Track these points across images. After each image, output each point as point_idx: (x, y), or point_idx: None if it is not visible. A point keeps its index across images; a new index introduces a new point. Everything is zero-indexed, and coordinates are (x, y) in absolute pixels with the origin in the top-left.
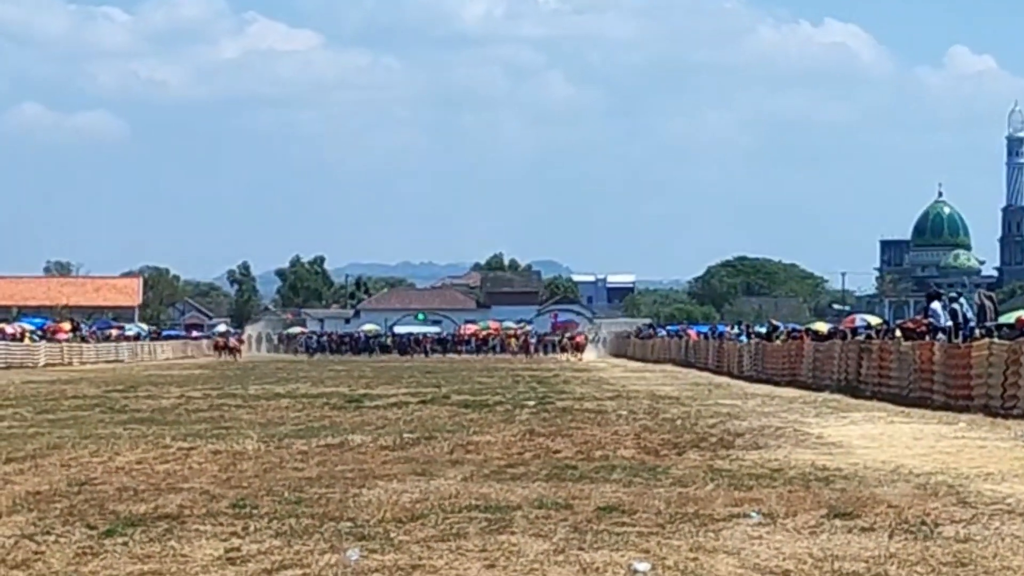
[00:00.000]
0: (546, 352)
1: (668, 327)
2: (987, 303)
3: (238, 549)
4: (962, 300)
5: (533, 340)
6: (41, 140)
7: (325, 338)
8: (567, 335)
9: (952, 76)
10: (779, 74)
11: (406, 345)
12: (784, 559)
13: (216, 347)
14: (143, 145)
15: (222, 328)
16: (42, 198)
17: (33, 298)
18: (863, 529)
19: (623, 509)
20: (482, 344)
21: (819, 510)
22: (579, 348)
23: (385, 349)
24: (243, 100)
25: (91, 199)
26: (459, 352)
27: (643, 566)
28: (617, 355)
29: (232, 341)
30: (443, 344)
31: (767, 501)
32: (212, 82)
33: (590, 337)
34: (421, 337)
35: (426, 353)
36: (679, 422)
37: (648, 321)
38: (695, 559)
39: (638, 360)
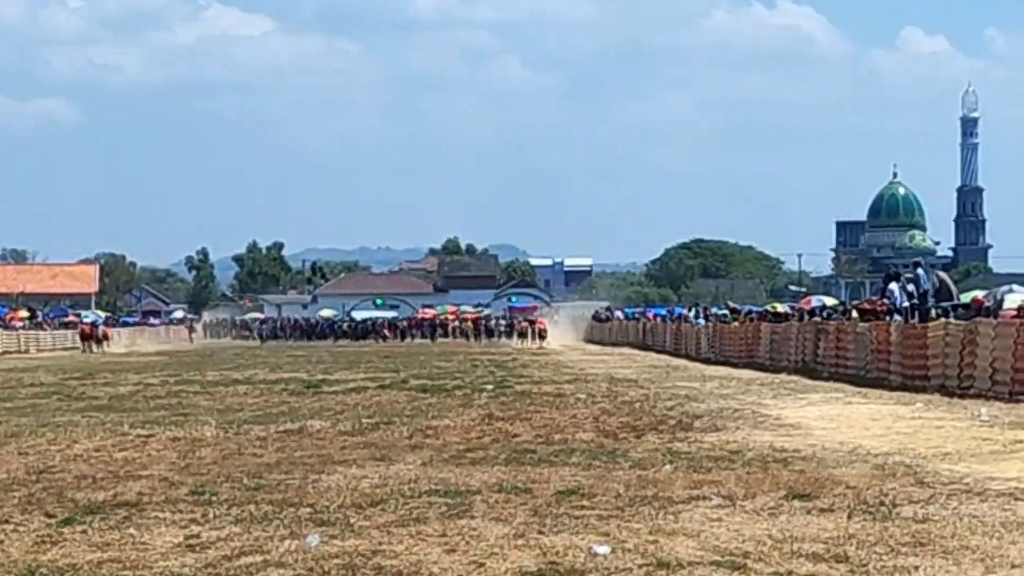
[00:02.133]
0: (507, 337)
1: (625, 310)
2: (948, 282)
3: (197, 536)
4: (919, 271)
5: (494, 323)
6: None
7: (280, 324)
8: (526, 319)
9: (906, 58)
10: (735, 57)
11: (364, 331)
12: (744, 541)
13: (82, 336)
14: (99, 131)
15: (179, 314)
16: None
17: None
18: (822, 510)
19: (583, 492)
20: (439, 329)
21: (778, 492)
22: (542, 335)
23: (342, 335)
24: (199, 85)
25: (47, 186)
26: (415, 337)
27: (603, 549)
28: (587, 340)
29: (103, 330)
30: (400, 330)
31: (726, 483)
32: (168, 67)
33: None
34: (380, 322)
35: (384, 338)
36: (638, 405)
37: (606, 304)
38: (655, 542)
39: (596, 343)
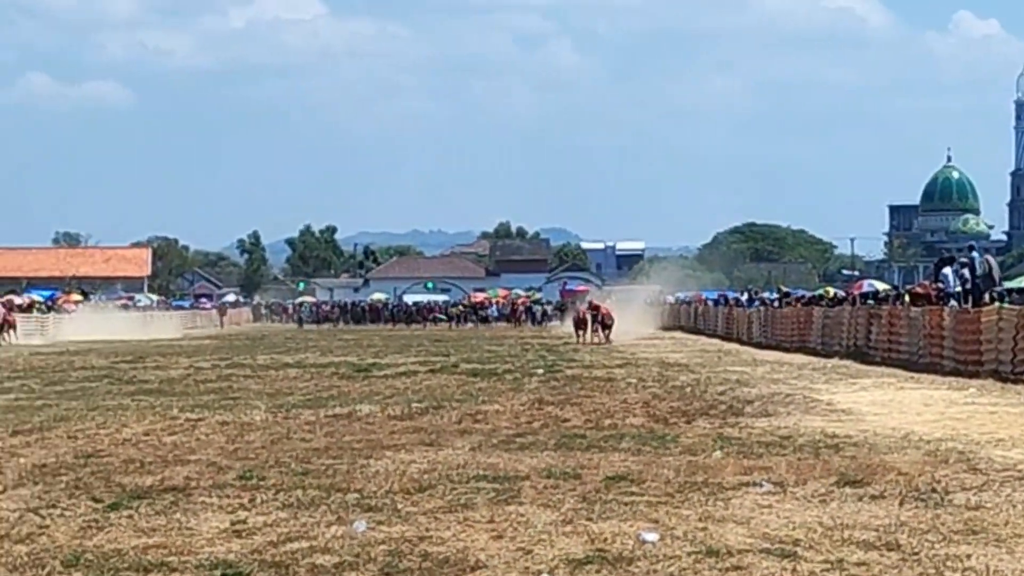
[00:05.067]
0: (559, 320)
1: (677, 294)
2: (994, 266)
3: (244, 521)
4: (974, 255)
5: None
6: (49, 111)
7: (328, 307)
8: (589, 306)
9: (958, 41)
10: (785, 39)
11: (415, 314)
12: (794, 528)
13: None
14: (152, 115)
15: (232, 297)
16: (50, 169)
17: (42, 269)
18: (873, 497)
19: (632, 478)
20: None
21: (829, 478)
22: (606, 324)
23: (393, 318)
24: (250, 69)
25: (100, 169)
26: (466, 321)
27: (652, 536)
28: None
29: (3, 313)
30: (453, 314)
31: (777, 469)
32: (219, 51)
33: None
34: (431, 306)
35: (434, 322)
36: (688, 389)
37: (658, 288)
38: (704, 529)
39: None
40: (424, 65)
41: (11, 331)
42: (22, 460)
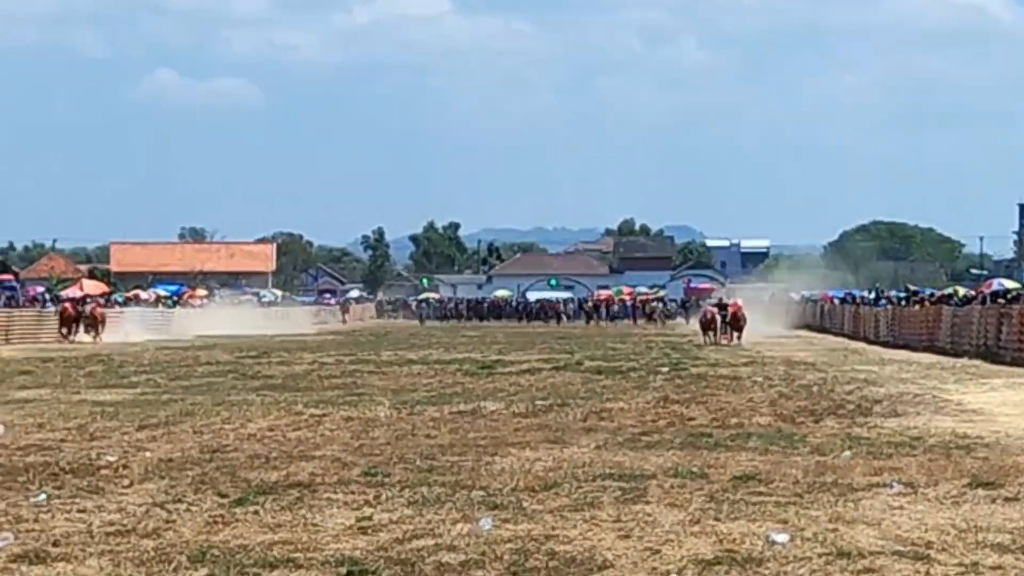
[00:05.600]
0: (682, 317)
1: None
2: None
3: (370, 518)
4: None
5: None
6: (175, 106)
7: (450, 304)
8: (708, 303)
9: None
10: (915, 36)
11: (537, 311)
12: (926, 530)
13: (63, 319)
14: (277, 111)
15: (355, 293)
16: (176, 165)
17: (168, 264)
18: (1007, 499)
19: (760, 478)
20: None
21: (961, 479)
22: (738, 325)
23: (515, 315)
24: (376, 66)
25: (225, 165)
26: (589, 318)
27: (781, 537)
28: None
29: (93, 308)
30: (580, 310)
31: (907, 470)
32: (345, 48)
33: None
34: (554, 303)
35: (558, 319)
36: (815, 388)
37: (784, 286)
38: (834, 530)
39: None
40: (550, 62)
41: (100, 326)
42: (148, 455)
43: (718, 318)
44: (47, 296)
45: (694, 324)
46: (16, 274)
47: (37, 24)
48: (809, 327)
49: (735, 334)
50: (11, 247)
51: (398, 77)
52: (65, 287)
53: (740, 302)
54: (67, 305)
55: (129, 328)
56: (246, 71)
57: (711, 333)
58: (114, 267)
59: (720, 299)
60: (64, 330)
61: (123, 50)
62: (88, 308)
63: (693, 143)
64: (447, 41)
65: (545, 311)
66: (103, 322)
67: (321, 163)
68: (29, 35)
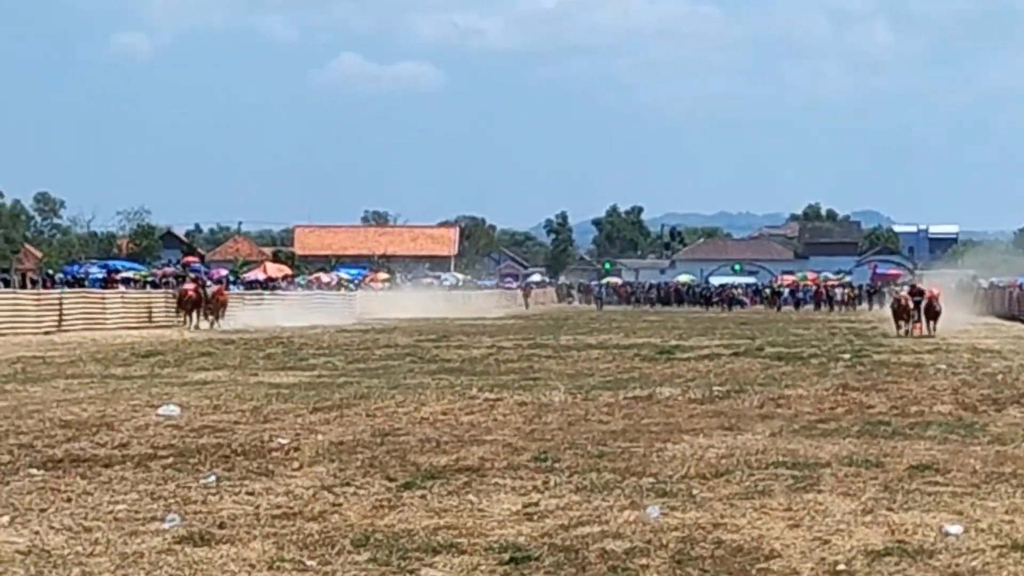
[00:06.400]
0: (867, 304)
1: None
2: None
3: (536, 504)
4: None
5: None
6: (360, 91)
7: (629, 288)
8: (900, 288)
9: None
10: None
11: (719, 296)
12: None
13: (181, 303)
14: (461, 95)
15: (536, 277)
16: (361, 148)
17: (351, 247)
18: None
19: (937, 468)
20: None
21: None
22: (933, 313)
23: (698, 300)
24: (560, 50)
25: (409, 149)
26: (773, 304)
27: (955, 529)
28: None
29: (216, 289)
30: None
31: None
32: (529, 32)
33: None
34: (737, 288)
35: (741, 305)
36: (1000, 377)
37: (973, 273)
38: (1011, 522)
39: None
40: (736, 45)
41: (221, 310)
42: (320, 437)
43: (911, 304)
44: (230, 278)
45: (879, 311)
46: (202, 256)
47: (226, 9)
48: (997, 314)
49: (931, 323)
50: (198, 229)
51: (582, 61)
52: (249, 269)
53: (936, 289)
54: (188, 288)
55: (278, 312)
56: (431, 55)
57: (903, 321)
58: (298, 250)
59: (914, 284)
60: (183, 315)
61: (310, 34)
62: (211, 291)
63: (881, 127)
64: (632, 25)
65: (724, 297)
66: (224, 305)
67: (504, 147)
68: (217, 20)
